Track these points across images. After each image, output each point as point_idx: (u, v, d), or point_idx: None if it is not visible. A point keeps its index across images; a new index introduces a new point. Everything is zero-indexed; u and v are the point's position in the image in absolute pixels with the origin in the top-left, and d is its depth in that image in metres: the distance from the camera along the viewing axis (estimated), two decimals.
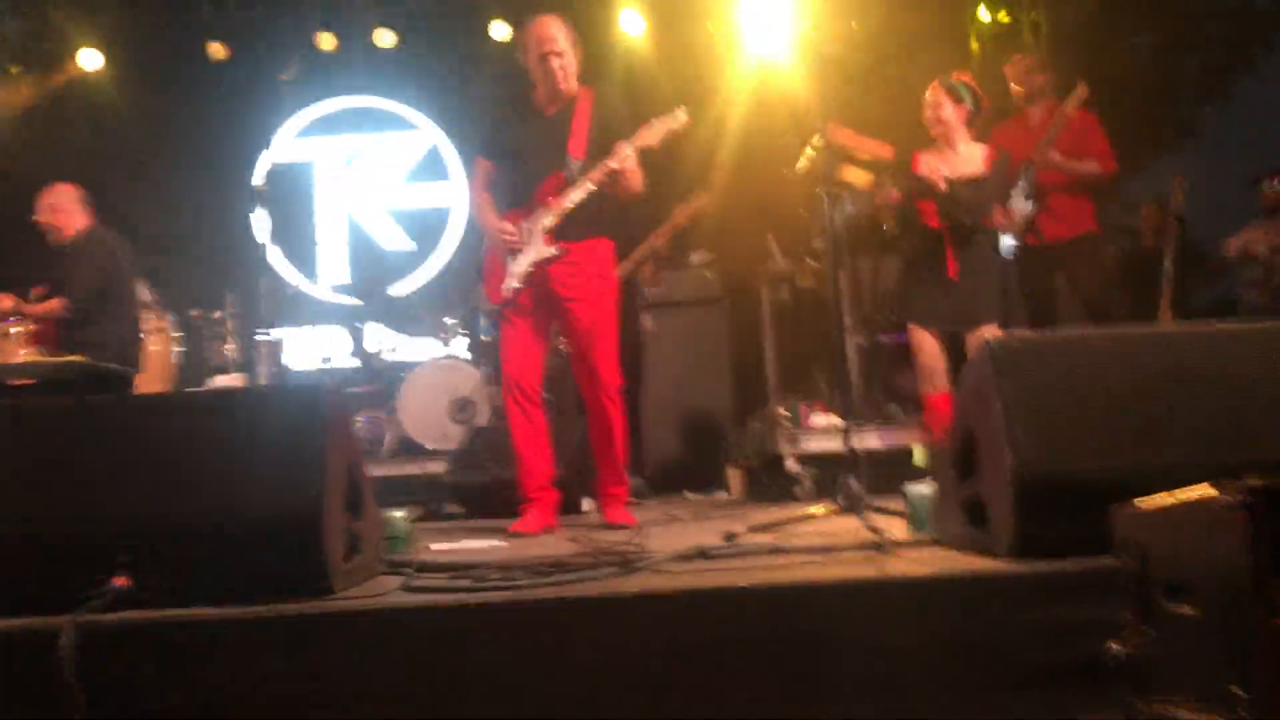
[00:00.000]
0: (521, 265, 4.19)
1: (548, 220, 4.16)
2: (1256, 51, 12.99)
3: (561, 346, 6.60)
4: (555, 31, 4.23)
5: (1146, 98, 11.72)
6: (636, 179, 4.19)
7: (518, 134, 4.31)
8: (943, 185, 4.77)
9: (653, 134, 4.16)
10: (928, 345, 4.94)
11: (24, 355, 5.43)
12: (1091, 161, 5.59)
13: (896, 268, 6.04)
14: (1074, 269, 5.71)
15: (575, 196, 4.12)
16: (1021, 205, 5.47)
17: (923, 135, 5.16)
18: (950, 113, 4.91)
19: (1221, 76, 13.01)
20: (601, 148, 4.18)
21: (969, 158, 4.93)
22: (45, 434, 2.61)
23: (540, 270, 4.18)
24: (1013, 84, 5.88)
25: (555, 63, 4.20)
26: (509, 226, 4.20)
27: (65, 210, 5.87)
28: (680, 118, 4.21)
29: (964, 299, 4.85)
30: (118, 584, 2.37)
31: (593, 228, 4.23)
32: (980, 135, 5.07)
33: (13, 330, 5.65)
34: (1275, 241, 6.91)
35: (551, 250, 4.15)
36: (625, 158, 4.10)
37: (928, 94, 4.99)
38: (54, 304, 5.71)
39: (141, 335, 6.21)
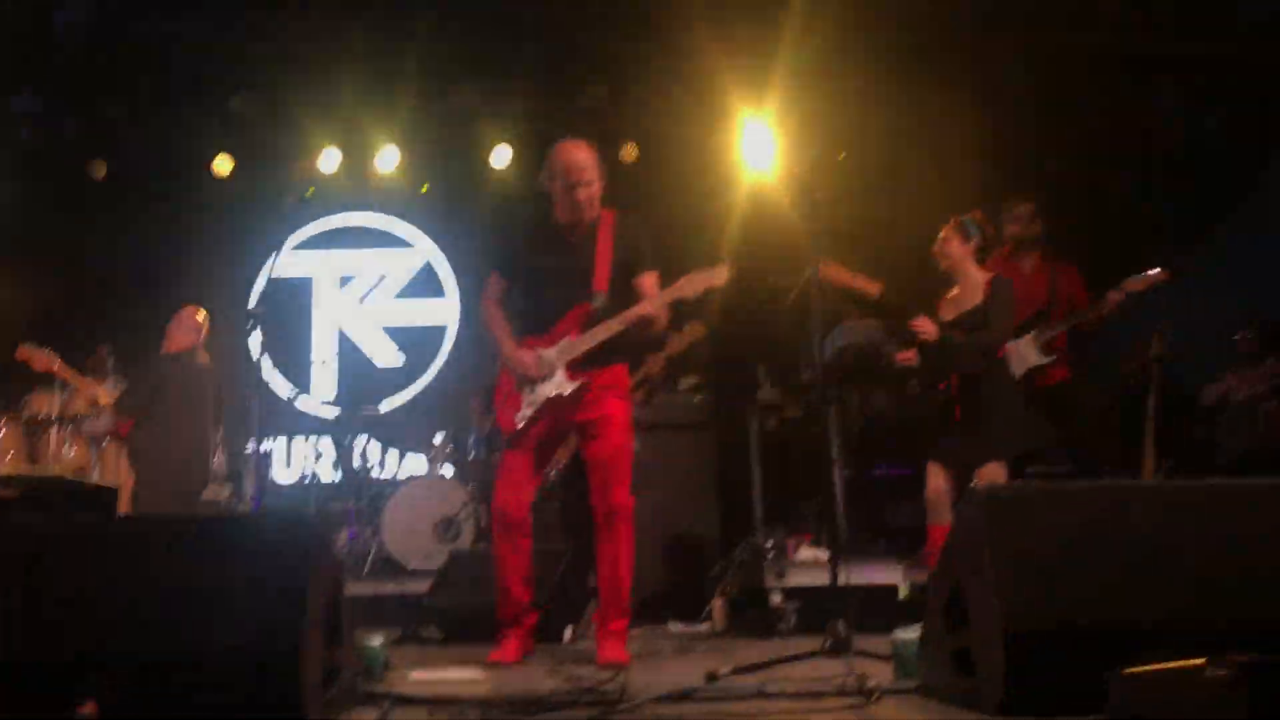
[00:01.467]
0: (540, 396, 4.10)
1: (571, 354, 4.09)
2: (1236, 200, 13.30)
3: (551, 474, 6.59)
4: (585, 159, 4.15)
5: (1128, 239, 11.95)
6: (662, 322, 4.18)
7: (540, 259, 4.22)
8: (933, 337, 4.86)
9: (692, 285, 4.11)
10: (934, 480, 4.95)
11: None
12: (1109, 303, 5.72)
13: (885, 403, 6.10)
14: (1058, 414, 5.76)
15: (601, 335, 4.07)
16: (1035, 356, 5.54)
17: (920, 276, 5.25)
18: (957, 248, 5.01)
19: (1201, 223, 13.27)
20: (624, 278, 4.15)
21: (972, 292, 5.01)
22: (22, 553, 2.57)
23: (556, 402, 4.11)
24: (1010, 225, 5.98)
25: (583, 192, 4.13)
26: (530, 356, 4.13)
27: (178, 328, 6.35)
28: (722, 274, 4.16)
29: (968, 440, 4.87)
30: (84, 713, 2.32)
31: (612, 357, 4.19)
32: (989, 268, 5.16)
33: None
34: (1254, 389, 6.99)
35: (573, 386, 4.07)
36: (659, 305, 4.07)
37: (939, 236, 5.10)
38: (101, 394, 6.30)
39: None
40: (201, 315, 6.38)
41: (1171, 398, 6.70)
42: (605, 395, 4.14)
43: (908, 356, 5.07)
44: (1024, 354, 5.58)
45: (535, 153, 8.68)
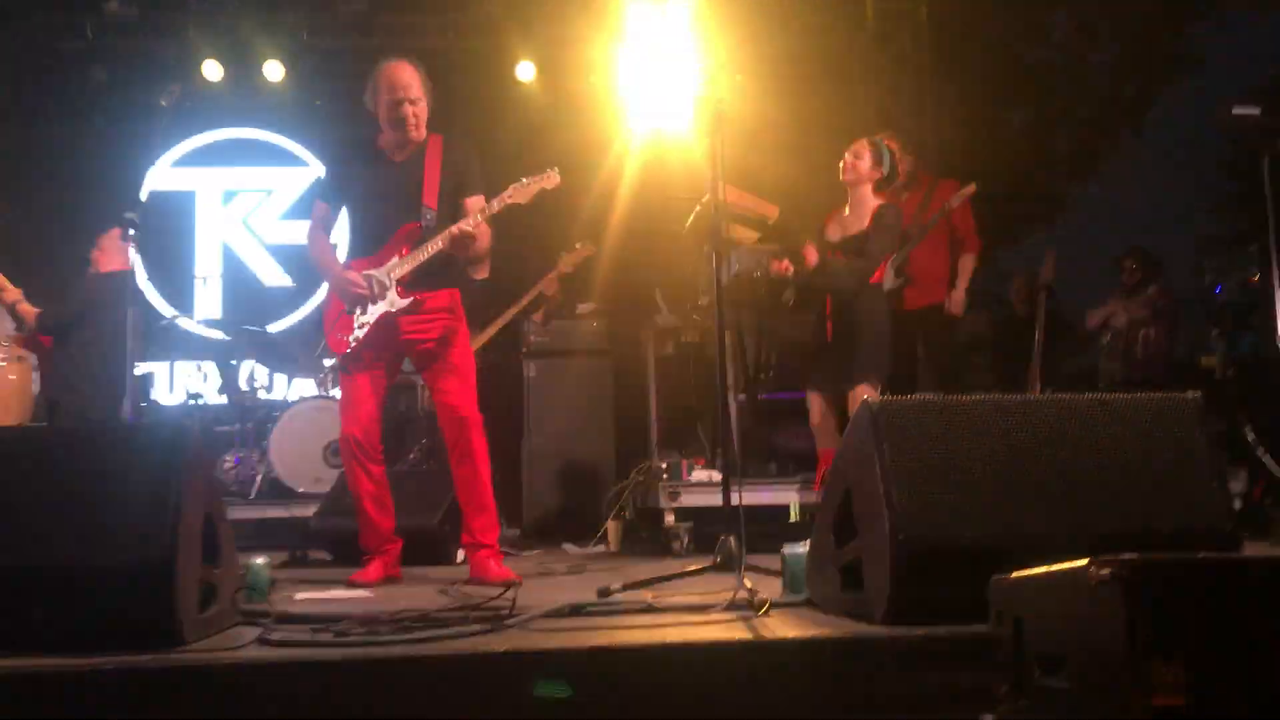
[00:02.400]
0: (371, 316, 4.05)
1: (401, 271, 4.04)
2: (1124, 133, 13.67)
3: (426, 404, 6.50)
4: (410, 78, 4.10)
5: (1020, 172, 12.20)
6: (485, 241, 4.11)
7: (367, 180, 4.17)
8: (812, 261, 4.90)
9: (524, 191, 4.08)
10: (816, 407, 5.03)
11: None
12: (968, 257, 5.82)
13: (781, 328, 6.12)
14: (928, 336, 5.88)
15: (431, 250, 4.01)
16: (890, 280, 5.59)
17: (816, 198, 5.25)
18: (866, 169, 4.98)
19: (1091, 155, 13.63)
20: (453, 197, 4.12)
21: (860, 215, 5.02)
22: None
23: (388, 321, 4.06)
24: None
25: (409, 110, 4.06)
26: (357, 277, 4.05)
27: (102, 251, 6.45)
28: (553, 178, 4.13)
29: (840, 360, 4.92)
30: None
31: (443, 278, 4.14)
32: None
33: None
34: (1134, 315, 7.21)
35: (405, 302, 4.03)
36: (476, 221, 4.01)
37: (852, 146, 5.07)
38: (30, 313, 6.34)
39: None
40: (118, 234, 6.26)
41: (1056, 324, 6.88)
42: (440, 316, 4.11)
43: (783, 267, 5.09)
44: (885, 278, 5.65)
45: (429, 64, 8.47)
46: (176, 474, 2.37)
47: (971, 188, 5.70)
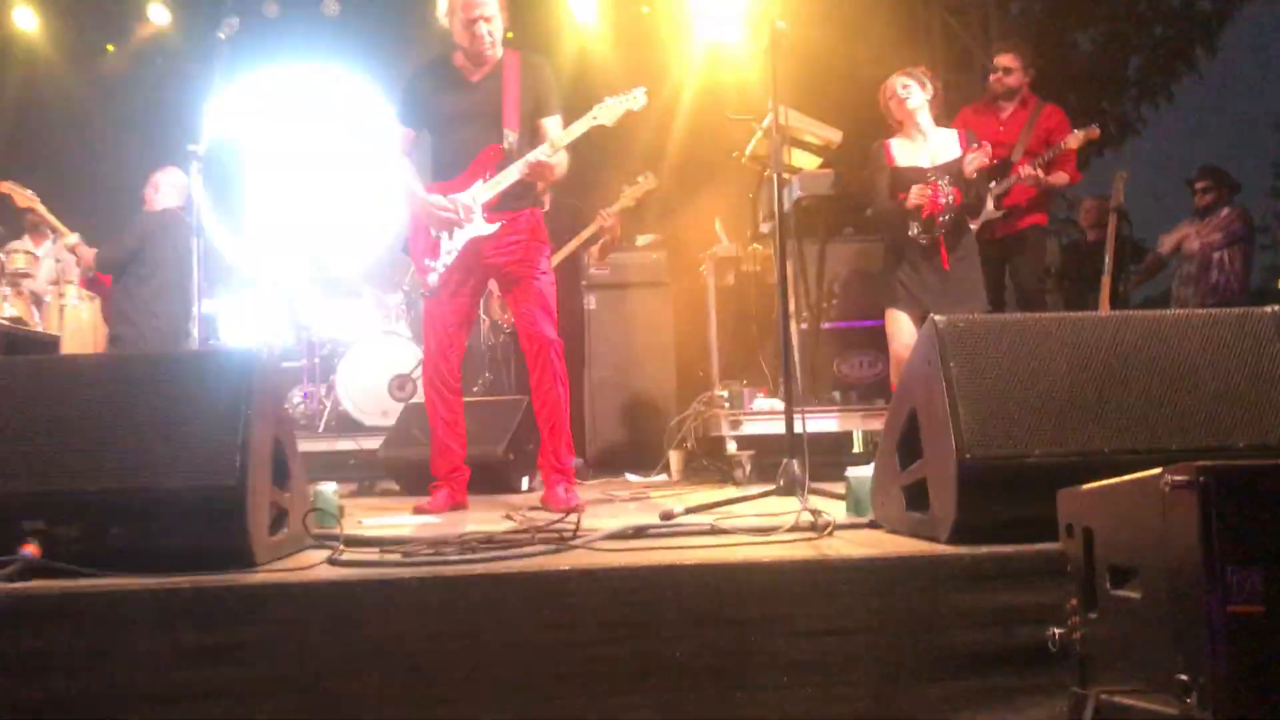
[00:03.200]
0: (458, 242, 4.04)
1: (487, 196, 4.02)
2: (1198, 52, 13.21)
3: (504, 323, 6.53)
4: None
5: (1090, 93, 11.86)
6: (561, 168, 4.07)
7: (445, 103, 4.11)
8: (973, 175, 4.80)
9: (609, 112, 4.02)
10: (906, 331, 4.89)
11: None
12: (1062, 174, 5.66)
13: (844, 256, 6.05)
14: (1016, 261, 5.75)
15: (514, 175, 3.99)
16: (989, 210, 5.49)
17: (873, 121, 5.15)
18: (920, 99, 4.91)
19: (1163, 76, 13.21)
20: (532, 117, 4.08)
21: (943, 143, 4.94)
22: None
23: (474, 246, 4.05)
24: (999, 73, 5.83)
25: (484, 28, 4.00)
26: (444, 201, 4.03)
27: (154, 188, 6.61)
28: (639, 99, 4.06)
29: (957, 286, 4.86)
30: (27, 552, 2.27)
31: (526, 199, 4.13)
32: (940, 120, 5.08)
33: None
34: (1207, 238, 7.01)
35: (493, 227, 4.02)
36: (554, 149, 3.98)
37: (892, 82, 4.97)
38: (89, 253, 6.53)
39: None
40: (182, 175, 6.46)
41: (1127, 249, 6.72)
42: (523, 238, 4.09)
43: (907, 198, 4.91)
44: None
45: None
46: (245, 399, 2.41)
47: (1095, 131, 5.58)
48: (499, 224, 4.03)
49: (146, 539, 2.35)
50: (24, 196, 6.55)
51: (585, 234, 6.54)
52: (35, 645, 2.16)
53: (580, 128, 4.03)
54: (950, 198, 4.79)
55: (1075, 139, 5.52)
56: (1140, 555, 1.46)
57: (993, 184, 5.47)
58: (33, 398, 2.48)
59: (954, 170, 4.86)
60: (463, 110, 4.08)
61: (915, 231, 4.84)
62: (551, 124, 4.10)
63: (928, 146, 4.95)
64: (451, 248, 4.05)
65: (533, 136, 4.09)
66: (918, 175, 4.89)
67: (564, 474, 4.12)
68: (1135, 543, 1.48)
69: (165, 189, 6.57)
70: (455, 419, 4.19)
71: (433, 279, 4.10)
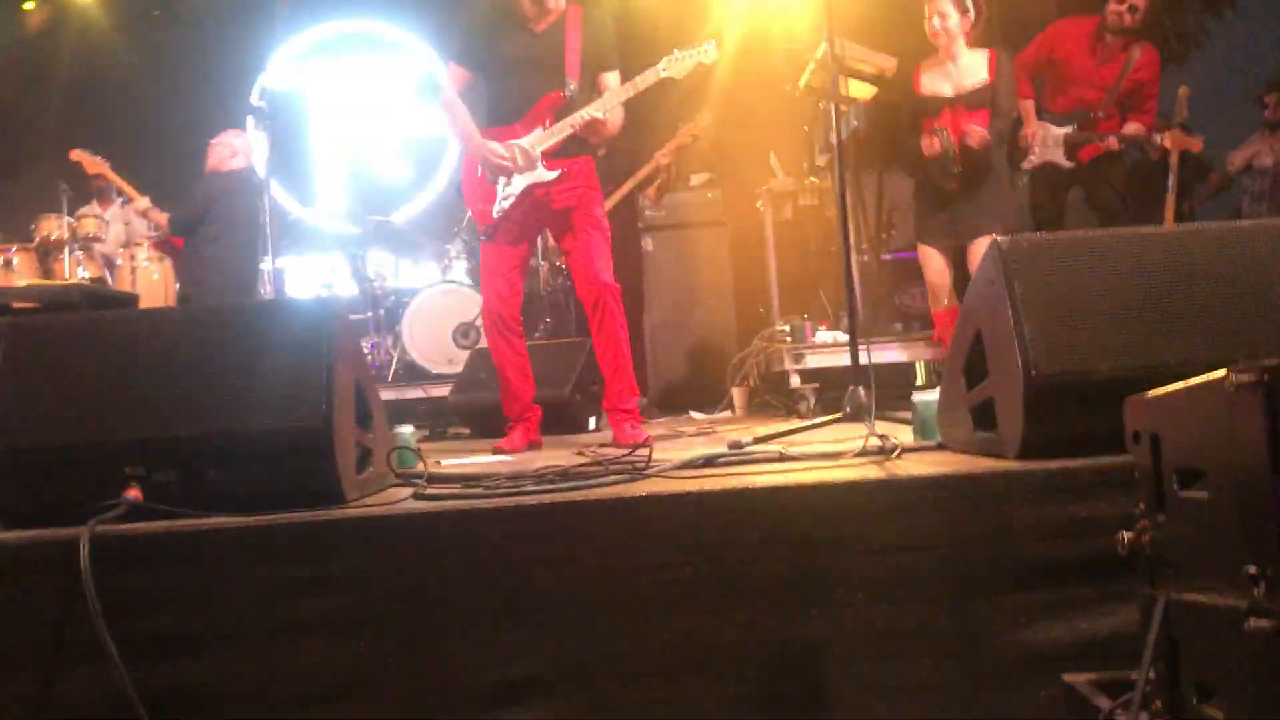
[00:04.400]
0: (516, 188, 4.08)
1: (547, 144, 4.05)
2: None
3: (562, 264, 6.59)
4: None
5: (1150, 6, 11.50)
6: (616, 124, 4.11)
7: (506, 48, 4.13)
8: (980, 138, 4.75)
9: (679, 65, 4.04)
10: (934, 263, 4.97)
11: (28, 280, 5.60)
12: (1138, 124, 5.53)
13: (901, 185, 6.02)
14: (1092, 185, 5.66)
15: (573, 124, 4.02)
16: (1055, 148, 5.42)
17: (925, 47, 5.10)
18: (956, 22, 4.85)
19: None
20: (591, 72, 4.12)
21: (971, 67, 4.89)
22: (53, 349, 2.60)
23: (532, 192, 4.09)
24: (1125, 10, 5.54)
25: None
26: (501, 148, 4.07)
27: (226, 148, 6.73)
28: (711, 52, 4.06)
29: (968, 211, 4.85)
30: (130, 496, 2.39)
31: (583, 146, 4.17)
32: (981, 41, 5.00)
33: (14, 259, 5.79)
34: None
35: (553, 175, 4.06)
36: (610, 107, 4.01)
37: (931, 3, 4.92)
38: (161, 216, 6.71)
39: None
40: (241, 135, 6.71)
41: (1192, 166, 6.60)
42: (579, 184, 4.13)
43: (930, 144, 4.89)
44: (1051, 142, 5.46)
45: None
46: (327, 342, 2.50)
47: (1198, 142, 5.49)
48: (558, 171, 4.06)
49: (241, 480, 2.45)
50: (94, 163, 6.73)
51: (641, 174, 6.55)
52: (141, 583, 2.28)
53: (647, 80, 4.03)
54: (951, 150, 4.78)
55: (1179, 108, 5.39)
56: (1207, 456, 1.49)
57: (1070, 129, 5.40)
58: (125, 350, 2.59)
59: (975, 98, 4.81)
60: (525, 56, 4.10)
61: (933, 172, 4.83)
62: (612, 79, 4.14)
63: (955, 72, 4.90)
64: (510, 193, 4.09)
65: (592, 89, 4.13)
66: (937, 104, 4.87)
67: (630, 414, 4.19)
68: (1202, 444, 1.51)
69: (228, 151, 6.70)
70: (521, 361, 4.28)
71: (489, 225, 4.16)
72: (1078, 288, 2.44)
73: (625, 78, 4.11)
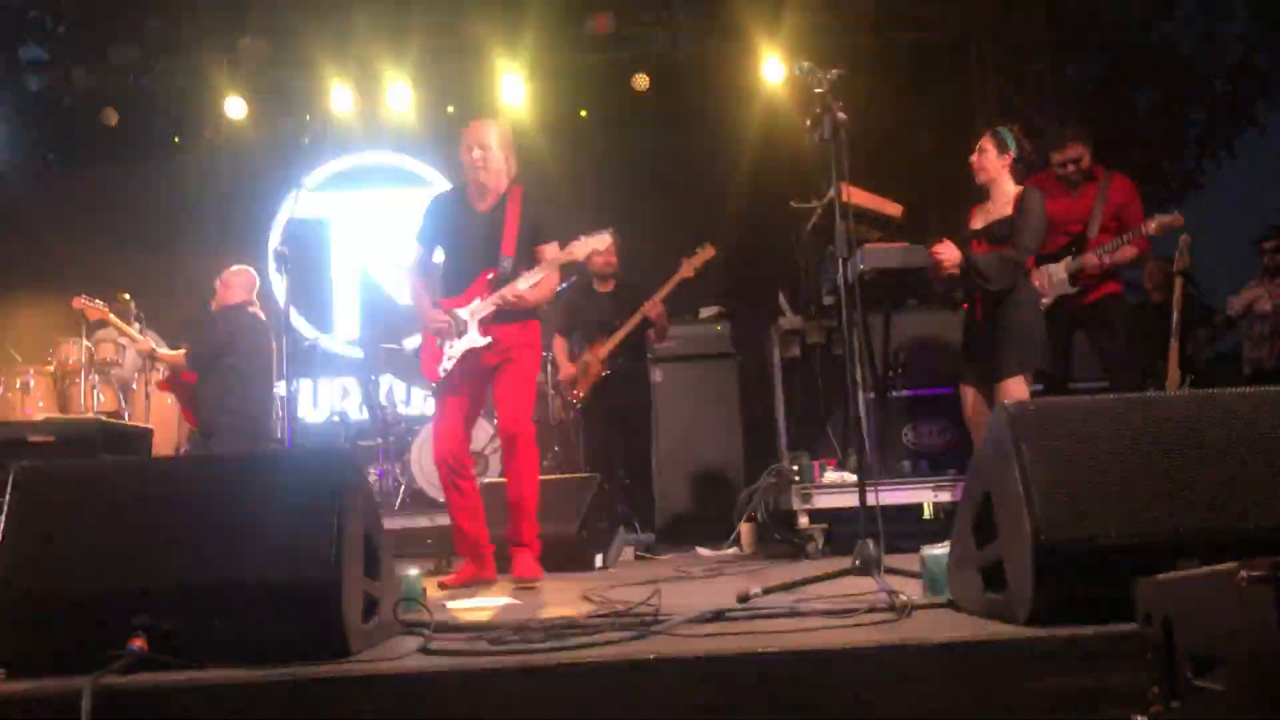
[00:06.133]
0: (457, 351, 4.56)
1: (482, 313, 4.54)
2: (1259, 106, 13.11)
3: (573, 399, 6.63)
4: (484, 133, 4.62)
5: (1149, 153, 11.80)
6: (542, 293, 4.62)
7: (454, 228, 4.70)
8: (955, 271, 4.85)
9: (580, 249, 4.64)
10: (969, 399, 4.99)
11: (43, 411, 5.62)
12: (1131, 249, 5.62)
13: (908, 325, 6.09)
14: (1094, 329, 5.69)
15: (507, 296, 4.49)
16: (1060, 283, 5.52)
17: (935, 187, 5.20)
18: (993, 160, 4.94)
19: (1223, 131, 13.11)
20: (528, 247, 4.63)
21: (1002, 202, 4.97)
22: (66, 495, 2.62)
23: (472, 354, 4.55)
24: (1070, 166, 5.74)
25: (483, 171, 4.59)
26: (442, 316, 4.58)
27: (233, 283, 6.68)
28: (606, 239, 4.70)
29: (987, 353, 4.88)
30: (136, 646, 2.38)
31: (520, 314, 4.60)
32: (1022, 180, 5.07)
33: (31, 381, 5.83)
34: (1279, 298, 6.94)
35: (485, 340, 4.54)
36: (517, 293, 4.49)
37: (979, 139, 5.05)
38: (178, 356, 6.60)
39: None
40: (252, 272, 6.70)
41: (1195, 310, 6.68)
42: (514, 345, 4.60)
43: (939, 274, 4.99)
44: (1055, 280, 5.53)
45: (546, 85, 8.64)
46: (338, 494, 2.51)
47: (1179, 218, 5.59)
48: (490, 338, 4.53)
49: (248, 630, 2.44)
50: (96, 310, 6.64)
51: (633, 321, 6.57)
52: None
53: (555, 263, 4.61)
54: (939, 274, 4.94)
55: (1155, 225, 5.48)
56: (1221, 646, 1.49)
57: (1067, 259, 5.49)
58: (137, 498, 2.61)
59: (996, 231, 4.90)
60: (470, 234, 4.66)
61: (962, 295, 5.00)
62: (550, 250, 4.65)
63: (991, 207, 5.00)
64: (452, 355, 4.58)
65: (530, 261, 4.62)
66: (967, 236, 4.98)
67: (530, 548, 4.55)
68: (1216, 633, 1.52)
69: (235, 287, 6.70)
70: (470, 503, 4.62)
71: (437, 381, 4.64)
72: (1086, 452, 2.46)
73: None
